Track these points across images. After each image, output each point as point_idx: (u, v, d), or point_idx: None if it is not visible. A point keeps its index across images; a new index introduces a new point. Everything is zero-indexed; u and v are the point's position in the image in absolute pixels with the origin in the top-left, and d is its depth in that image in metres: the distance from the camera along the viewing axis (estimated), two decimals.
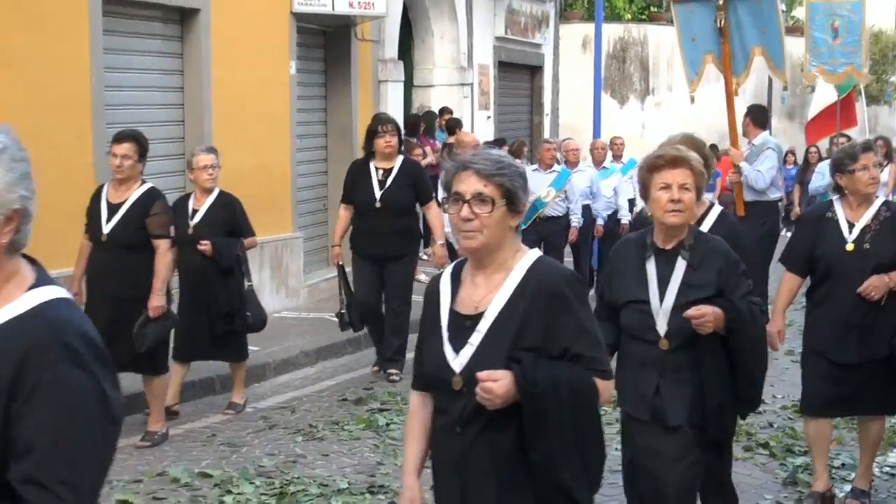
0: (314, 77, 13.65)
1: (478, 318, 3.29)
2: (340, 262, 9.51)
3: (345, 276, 9.52)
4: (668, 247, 4.44)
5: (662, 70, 26.80)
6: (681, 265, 4.40)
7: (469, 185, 3.25)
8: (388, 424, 7.92)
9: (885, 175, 13.97)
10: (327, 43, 13.86)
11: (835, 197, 6.10)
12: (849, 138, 14.35)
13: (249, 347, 8.60)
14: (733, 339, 4.37)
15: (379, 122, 9.41)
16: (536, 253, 3.38)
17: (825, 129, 17.04)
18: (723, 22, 9.49)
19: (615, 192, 13.75)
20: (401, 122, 14.63)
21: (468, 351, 3.27)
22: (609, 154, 14.71)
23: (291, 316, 11.61)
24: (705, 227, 4.93)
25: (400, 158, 9.37)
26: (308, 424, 8.04)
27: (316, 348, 10.18)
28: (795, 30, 24.11)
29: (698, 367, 4.34)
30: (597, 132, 17.29)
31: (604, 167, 14.05)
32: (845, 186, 5.94)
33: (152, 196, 7.59)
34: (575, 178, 12.74)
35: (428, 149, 14.91)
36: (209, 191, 8.35)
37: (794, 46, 20.45)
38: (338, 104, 13.81)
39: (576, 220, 12.65)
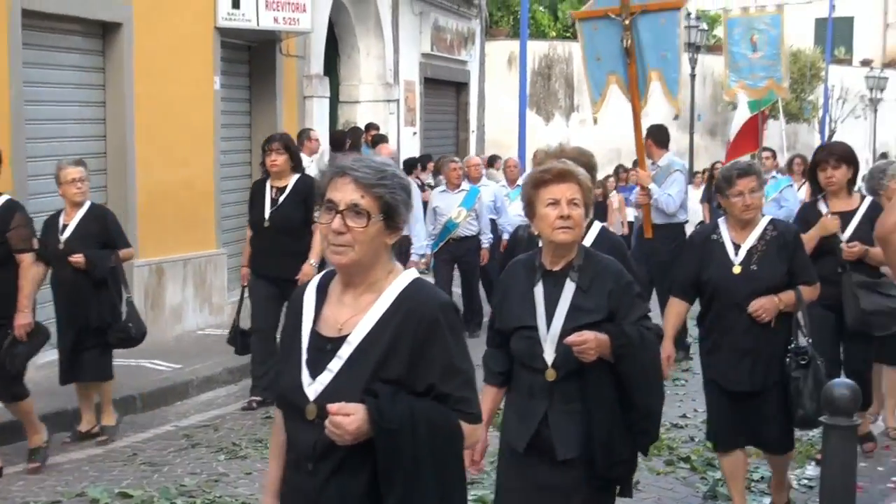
0: (238, 92, 13.58)
1: (340, 341, 2.98)
2: (244, 284, 9.26)
3: (241, 300, 9.36)
4: (557, 268, 4.14)
5: (587, 88, 27.06)
6: (569, 288, 4.09)
7: (345, 193, 2.94)
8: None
9: (801, 193, 13.86)
10: (252, 58, 13.80)
11: (721, 218, 5.95)
12: (773, 153, 14.46)
13: (171, 365, 8.52)
14: (622, 367, 4.03)
15: (266, 141, 9.17)
16: (412, 274, 3.08)
17: (744, 146, 17.29)
18: (629, 42, 9.36)
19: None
20: (326, 138, 14.69)
21: (326, 377, 2.95)
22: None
23: (215, 333, 11.51)
24: (586, 242, 4.64)
25: (295, 177, 9.06)
26: (231, 443, 7.97)
27: (240, 365, 10.09)
28: (718, 48, 24.47)
29: (587, 397, 4.05)
30: (522, 149, 17.39)
31: (518, 185, 13.77)
32: (726, 208, 5.83)
33: (11, 208, 7.17)
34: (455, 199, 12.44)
35: None
36: (79, 204, 8.00)
37: (718, 65, 20.76)
38: (262, 120, 13.75)
39: (485, 239, 12.52)
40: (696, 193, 22.17)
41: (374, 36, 17.26)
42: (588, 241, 4.68)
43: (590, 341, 3.94)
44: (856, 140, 36.27)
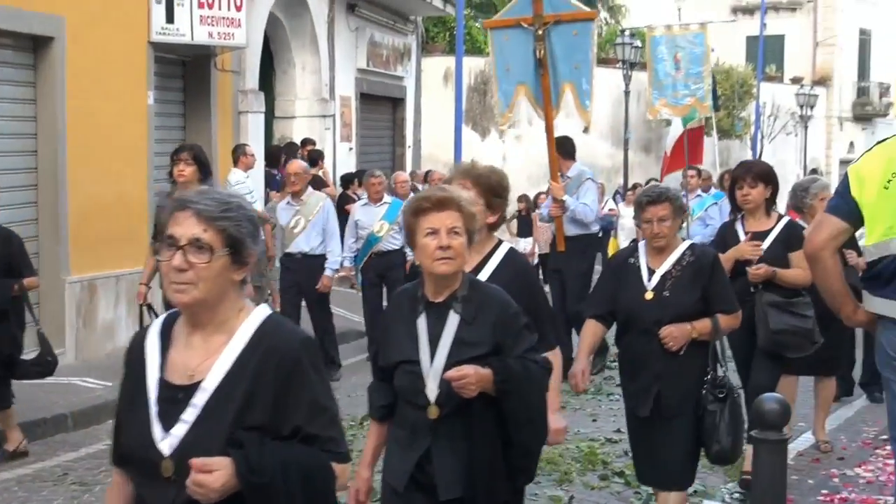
0: (173, 107, 13.49)
1: (193, 388, 2.75)
2: (140, 302, 8.69)
3: (142, 320, 8.81)
4: (440, 299, 3.87)
5: (523, 103, 27.19)
6: (453, 320, 3.84)
7: (186, 228, 2.74)
8: None
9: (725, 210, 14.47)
10: (186, 73, 13.72)
11: (641, 241, 5.77)
12: (698, 172, 14.49)
13: (103, 383, 8.41)
14: (505, 404, 3.79)
15: (175, 151, 8.72)
16: (265, 311, 2.88)
17: (676, 164, 17.37)
18: (541, 52, 9.16)
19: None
20: (261, 154, 14.62)
21: (181, 429, 2.72)
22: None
23: None
24: (491, 266, 4.46)
25: None
26: None
27: None
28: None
29: (471, 434, 3.82)
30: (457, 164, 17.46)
31: (383, 202, 13.00)
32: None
33: None
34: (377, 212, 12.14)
35: None
36: None
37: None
38: (197, 135, 13.65)
39: (411, 252, 12.52)
40: (629, 211, 22.36)
41: (309, 51, 17.24)
42: (493, 264, 4.46)
43: (469, 376, 3.70)
44: (787, 156, 36.88)
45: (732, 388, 5.43)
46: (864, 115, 42.93)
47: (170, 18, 12.38)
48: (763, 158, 32.28)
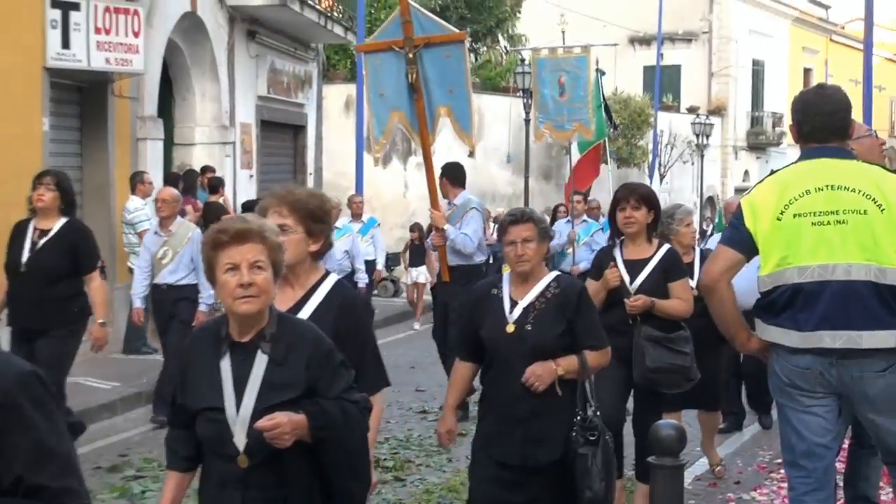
0: (69, 134, 13.27)
1: None
2: None
3: None
4: (246, 339, 3.51)
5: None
6: (261, 361, 3.48)
7: None
8: (143, 492, 7.65)
9: None
10: (83, 99, 13.51)
11: (507, 270, 5.38)
12: (584, 197, 14.76)
13: None
14: (323, 450, 3.51)
15: (37, 175, 8.20)
16: None
17: (577, 185, 17.39)
18: (413, 77, 8.83)
19: (347, 254, 13.15)
20: (160, 180, 14.44)
21: None
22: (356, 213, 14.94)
23: None
24: (315, 300, 4.16)
25: (63, 220, 8.02)
26: None
27: None
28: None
29: (285, 484, 3.51)
30: (359, 192, 17.44)
31: (336, 227, 13.50)
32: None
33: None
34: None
35: (189, 207, 14.67)
36: None
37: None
38: (94, 162, 13.44)
39: (361, 278, 13.03)
40: None
41: (209, 78, 17.10)
42: (318, 298, 4.15)
43: (282, 424, 3.36)
44: (684, 184, 37.56)
45: (604, 429, 5.01)
46: (757, 144, 43.91)
47: (66, 44, 12.19)
48: (661, 186, 32.89)
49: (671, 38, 40.49)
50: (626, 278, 6.42)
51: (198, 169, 16.22)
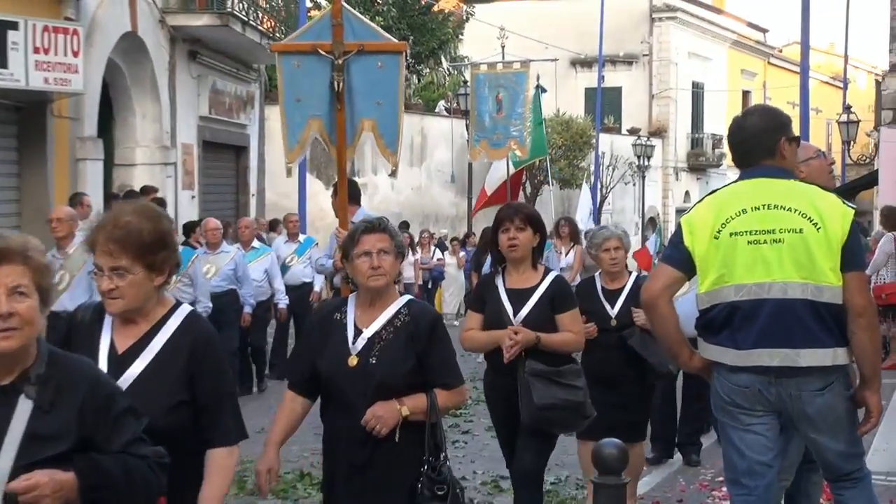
0: (6, 154, 13.13)
1: None
2: None
3: None
4: (6, 381, 2.94)
5: (367, 152, 27.30)
6: (24, 407, 2.90)
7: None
8: None
9: (570, 257, 14.20)
10: (21, 119, 13.37)
11: (354, 293, 4.71)
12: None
13: None
14: None
15: None
16: None
17: (498, 199, 17.02)
18: (340, 85, 8.00)
19: (266, 274, 12.70)
20: (100, 201, 14.30)
21: None
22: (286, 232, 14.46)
23: None
24: (162, 336, 3.56)
25: None
26: None
27: None
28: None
29: None
30: (302, 212, 17.37)
31: (253, 248, 12.86)
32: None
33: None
34: (213, 260, 11.71)
35: None
36: None
37: None
38: (33, 183, 13.30)
39: (281, 299, 12.55)
40: (454, 260, 22.43)
41: (150, 98, 16.99)
42: (166, 334, 3.56)
43: (41, 486, 2.78)
44: (626, 204, 37.85)
45: (455, 482, 4.44)
46: (698, 165, 44.38)
47: (3, 63, 12.06)
48: (603, 207, 33.13)
49: (612, 60, 40.89)
50: (509, 310, 5.85)
51: (138, 189, 16.08)
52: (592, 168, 32.26)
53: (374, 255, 4.39)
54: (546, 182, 29.01)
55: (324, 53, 8.03)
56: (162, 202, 15.60)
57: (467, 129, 27.32)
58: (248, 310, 12.03)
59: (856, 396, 4.65)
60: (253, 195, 21.88)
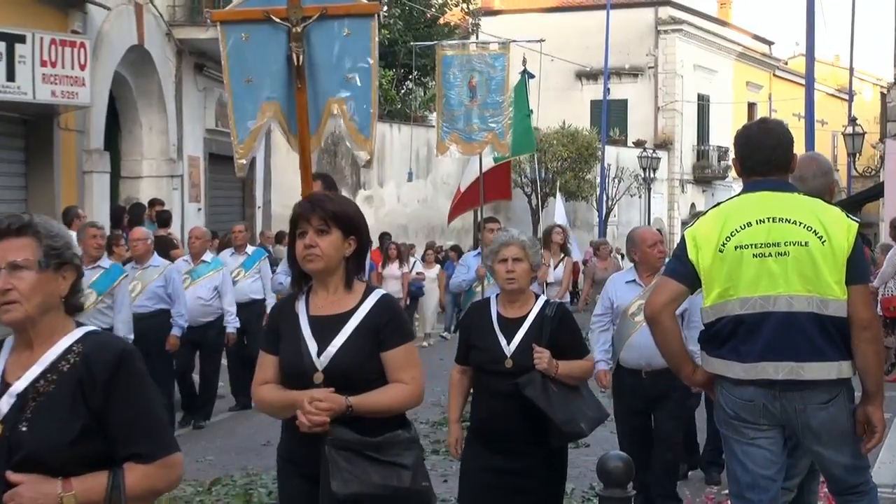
0: (14, 167, 13.16)
1: None
2: None
3: None
4: None
5: (373, 164, 27.38)
6: None
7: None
8: None
9: (558, 271, 12.58)
10: (28, 132, 13.42)
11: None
12: (496, 221, 11.51)
13: None
14: None
15: None
16: None
17: (468, 204, 14.64)
18: (300, 59, 6.52)
19: (217, 291, 11.10)
20: (106, 214, 14.34)
21: None
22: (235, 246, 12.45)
23: None
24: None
25: None
26: None
27: None
28: None
29: None
30: None
31: (203, 261, 11.23)
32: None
33: None
34: (140, 276, 10.19)
35: None
36: None
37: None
38: (40, 195, 13.34)
39: (230, 321, 11.01)
40: (432, 272, 21.05)
41: (156, 111, 17.04)
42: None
43: None
44: (632, 217, 37.82)
45: None
46: (703, 177, 44.37)
47: (10, 76, 12.11)
48: (609, 220, 33.14)
49: (618, 73, 40.92)
50: (312, 349, 3.97)
51: (145, 202, 16.13)
52: (598, 180, 32.27)
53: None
54: (552, 194, 29.01)
55: (278, 21, 6.56)
56: (169, 214, 15.66)
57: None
58: (176, 331, 10.25)
59: (858, 412, 4.62)
60: (259, 207, 21.92)
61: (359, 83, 6.71)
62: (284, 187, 23.53)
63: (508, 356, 5.16)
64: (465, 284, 10.85)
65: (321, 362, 3.93)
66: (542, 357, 5.09)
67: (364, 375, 3.94)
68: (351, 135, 6.90)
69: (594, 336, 7.56)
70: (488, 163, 13.87)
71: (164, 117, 17.11)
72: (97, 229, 9.42)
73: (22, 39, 12.21)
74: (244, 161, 6.90)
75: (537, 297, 5.42)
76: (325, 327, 4.00)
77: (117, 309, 9.23)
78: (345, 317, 4.01)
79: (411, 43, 29.59)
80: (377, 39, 6.84)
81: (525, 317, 5.26)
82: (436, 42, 16.63)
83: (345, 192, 27.96)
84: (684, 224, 38.60)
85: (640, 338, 6.86)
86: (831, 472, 4.70)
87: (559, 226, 14.12)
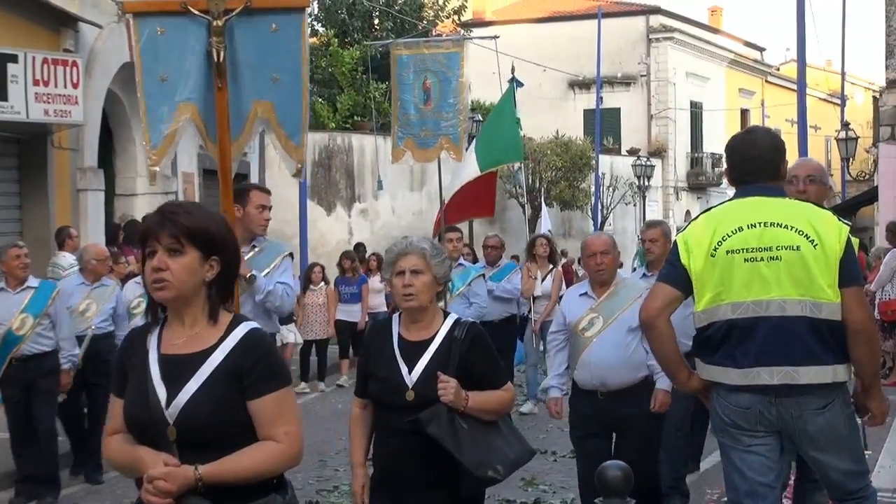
0: (8, 186, 13.16)
1: None
2: None
3: None
4: None
5: (367, 178, 27.37)
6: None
7: None
8: None
9: (547, 283, 12.30)
10: (21, 151, 13.42)
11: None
12: (458, 231, 11.68)
13: None
14: None
15: None
16: None
17: (474, 209, 14.40)
18: (221, 56, 5.96)
19: (113, 316, 9.61)
20: (101, 232, 14.33)
21: None
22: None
23: None
24: None
25: None
26: None
27: None
28: None
29: None
30: (304, 239, 17.37)
31: (101, 283, 9.78)
32: None
33: None
34: (94, 295, 9.55)
35: (132, 258, 14.55)
36: None
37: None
38: (34, 214, 13.32)
39: (66, 358, 8.74)
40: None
41: None
42: None
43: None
44: (627, 225, 37.84)
45: None
46: (698, 184, 44.39)
47: (3, 96, 12.12)
48: (604, 228, 33.14)
49: (610, 81, 40.97)
50: (162, 396, 3.24)
51: (140, 219, 16.12)
52: (593, 189, 32.28)
53: None
54: (548, 204, 29.01)
55: (196, 13, 5.99)
56: None
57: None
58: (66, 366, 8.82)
59: (858, 404, 4.70)
60: None
61: (287, 85, 6.18)
62: (278, 202, 23.53)
63: (410, 387, 4.35)
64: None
65: (170, 414, 3.17)
66: (447, 387, 4.28)
67: (225, 431, 3.18)
68: (280, 142, 6.31)
69: (549, 357, 7.04)
70: (473, 172, 13.47)
71: None
72: (20, 249, 8.84)
73: (14, 59, 12.22)
74: (157, 168, 6.32)
75: (447, 315, 4.57)
76: (178, 369, 3.23)
77: (58, 327, 8.65)
78: (201, 356, 3.24)
79: (364, 42, 29.59)
80: (308, 36, 6.06)
81: (430, 339, 4.45)
82: (391, 41, 15.92)
83: (339, 206, 28.00)
84: (679, 231, 38.59)
85: (590, 355, 6.55)
86: (830, 478, 4.70)
87: (543, 236, 13.60)
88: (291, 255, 7.26)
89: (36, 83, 12.35)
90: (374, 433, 4.58)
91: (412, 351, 4.42)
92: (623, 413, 6.44)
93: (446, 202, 12.74)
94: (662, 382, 6.45)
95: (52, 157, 13.51)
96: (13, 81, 12.18)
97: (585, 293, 6.79)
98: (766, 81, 51.12)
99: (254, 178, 21.73)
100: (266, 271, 6.78)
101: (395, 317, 4.59)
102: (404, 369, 4.39)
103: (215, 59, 5.94)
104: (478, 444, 4.32)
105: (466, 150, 13.09)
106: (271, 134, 6.32)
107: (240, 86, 6.12)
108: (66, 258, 12.20)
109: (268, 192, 7.35)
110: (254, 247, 6.92)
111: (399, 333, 4.50)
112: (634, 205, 37.80)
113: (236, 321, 3.33)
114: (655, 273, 7.59)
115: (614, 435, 6.62)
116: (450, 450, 4.24)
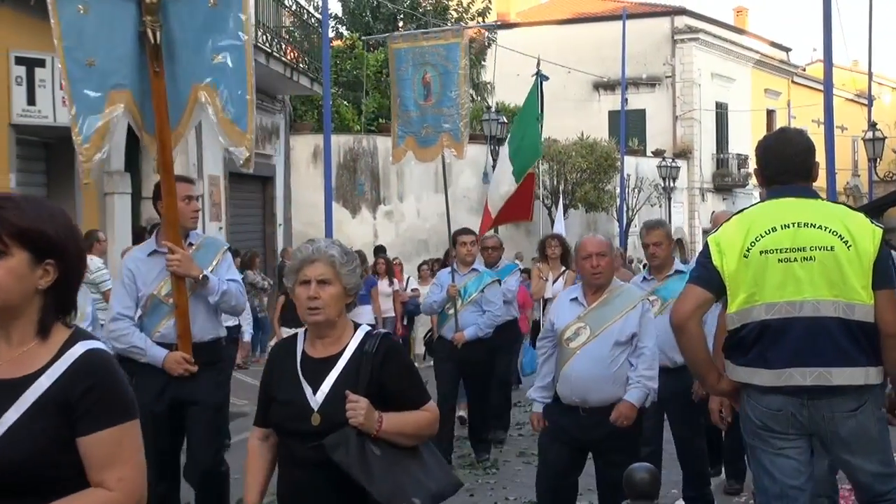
0: (36, 190, 13.21)
1: None
2: None
3: None
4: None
5: (392, 180, 27.40)
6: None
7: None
8: None
9: (558, 285, 11.87)
10: (49, 155, 13.49)
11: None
12: (472, 234, 11.08)
13: None
14: None
15: None
16: None
17: (515, 213, 14.44)
18: (156, 36, 5.46)
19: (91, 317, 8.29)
20: (128, 235, 14.38)
21: None
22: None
23: None
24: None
25: None
26: None
27: None
28: None
29: None
30: None
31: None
32: None
33: None
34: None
35: None
36: None
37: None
38: None
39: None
40: (426, 289, 20.24)
41: None
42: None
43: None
44: None
45: None
46: (724, 185, 44.23)
47: (31, 100, 12.19)
48: (629, 230, 33.06)
49: (635, 82, 40.89)
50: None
51: None
52: (618, 191, 32.20)
53: None
54: (573, 206, 28.95)
55: None
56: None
57: (491, 155, 27.35)
58: None
59: (892, 404, 4.73)
60: (280, 225, 21.98)
61: (230, 64, 5.59)
62: (304, 204, 23.61)
63: (315, 410, 3.80)
64: (436, 306, 9.92)
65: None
66: (356, 408, 3.75)
67: (51, 473, 2.60)
68: (223, 128, 5.82)
69: (538, 366, 6.57)
70: (510, 181, 13.41)
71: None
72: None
73: (42, 63, 12.29)
74: (90, 165, 5.75)
75: (357, 327, 4.02)
76: (4, 395, 2.63)
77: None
78: (22, 384, 2.63)
79: (362, 37, 29.53)
80: (252, 10, 5.46)
81: (338, 355, 3.91)
82: (388, 35, 15.25)
83: (364, 208, 28.03)
84: (705, 233, 38.49)
85: (571, 369, 6.10)
86: (859, 480, 4.67)
87: (556, 236, 13.20)
88: (230, 248, 6.79)
89: (63, 87, 12.41)
90: (278, 466, 4.04)
91: (317, 369, 3.87)
92: (608, 431, 6.05)
93: (493, 214, 12.84)
94: (632, 395, 6.05)
95: (79, 161, 13.56)
96: (41, 86, 12.26)
97: (576, 298, 6.30)
98: (793, 82, 50.88)
99: (280, 181, 21.80)
100: (210, 269, 6.22)
101: (300, 332, 4.05)
102: (308, 391, 3.83)
103: (150, 41, 5.39)
104: (392, 473, 3.78)
105: (498, 150, 13.01)
106: (213, 120, 5.76)
107: (177, 69, 5.57)
108: (94, 262, 12.26)
109: (191, 181, 6.77)
110: (190, 244, 6.30)
111: (303, 350, 3.95)
112: (660, 206, 37.68)
113: (74, 339, 2.70)
114: (657, 277, 7.55)
115: (592, 455, 6.30)
116: (358, 479, 3.71)
